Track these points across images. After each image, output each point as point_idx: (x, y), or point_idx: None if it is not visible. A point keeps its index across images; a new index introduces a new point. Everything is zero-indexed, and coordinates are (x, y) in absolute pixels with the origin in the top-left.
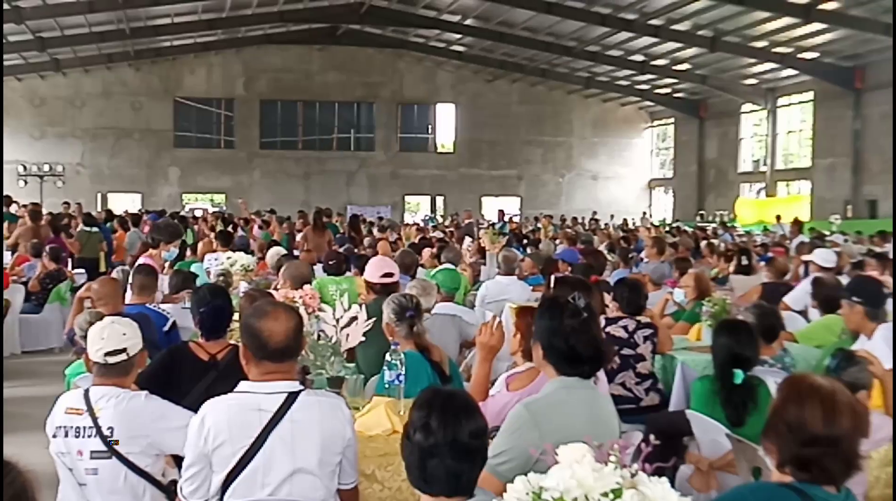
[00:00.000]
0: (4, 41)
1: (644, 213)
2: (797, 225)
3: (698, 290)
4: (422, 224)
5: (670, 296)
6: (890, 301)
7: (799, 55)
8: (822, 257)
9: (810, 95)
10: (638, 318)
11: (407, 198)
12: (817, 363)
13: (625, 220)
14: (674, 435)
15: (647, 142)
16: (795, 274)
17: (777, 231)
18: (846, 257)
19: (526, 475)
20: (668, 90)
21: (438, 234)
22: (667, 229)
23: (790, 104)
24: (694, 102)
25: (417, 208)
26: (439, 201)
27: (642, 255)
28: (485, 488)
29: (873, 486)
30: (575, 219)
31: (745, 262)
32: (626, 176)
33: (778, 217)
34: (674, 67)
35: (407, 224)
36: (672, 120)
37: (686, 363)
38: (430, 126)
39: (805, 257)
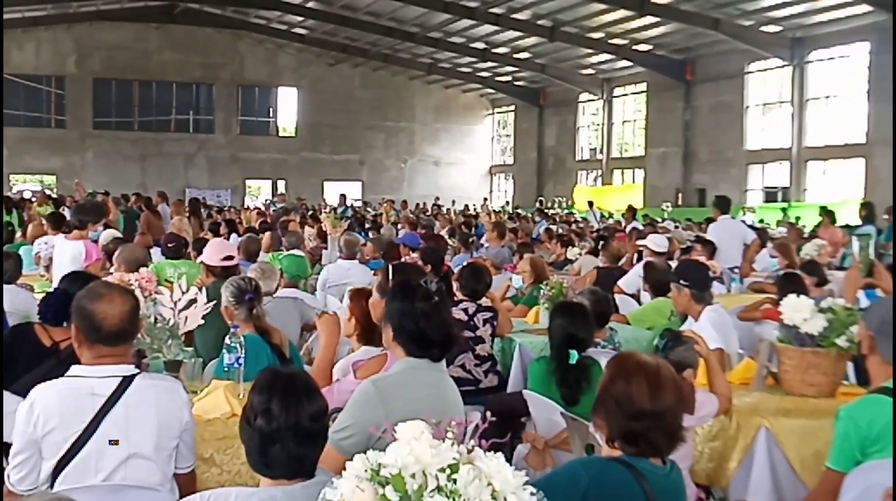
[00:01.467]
0: None
1: (485, 199)
2: (631, 212)
3: (535, 274)
4: (263, 208)
5: (510, 282)
6: (715, 284)
7: (633, 47)
8: (655, 242)
9: (644, 86)
10: (478, 301)
11: (248, 182)
12: (647, 344)
13: (466, 205)
14: (512, 415)
15: (489, 129)
16: (629, 259)
17: (589, 218)
18: (676, 242)
19: (366, 453)
20: (508, 78)
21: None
22: (507, 215)
23: (625, 94)
24: (534, 91)
25: (258, 193)
26: (281, 185)
27: (483, 240)
28: (327, 462)
29: (698, 460)
30: (417, 205)
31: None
32: (467, 162)
33: (590, 203)
34: (514, 56)
35: (247, 208)
36: (513, 107)
37: (524, 345)
38: (271, 109)
39: (639, 243)
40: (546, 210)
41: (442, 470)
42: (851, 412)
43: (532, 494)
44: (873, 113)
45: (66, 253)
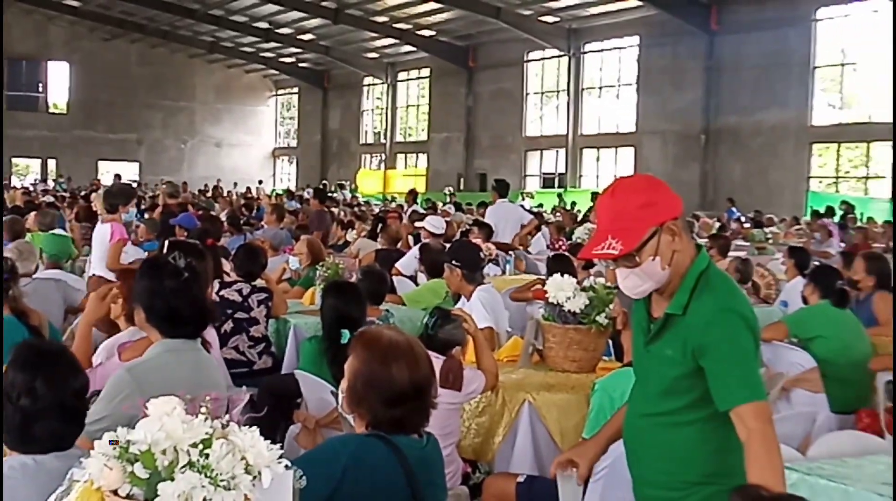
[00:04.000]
0: None
1: (260, 182)
2: (412, 195)
3: (311, 256)
4: (31, 188)
5: (287, 264)
6: (490, 265)
7: (417, 32)
8: (432, 223)
9: (427, 71)
10: (253, 282)
11: (14, 160)
12: (422, 324)
13: (248, 188)
14: (286, 396)
15: (272, 110)
16: (406, 242)
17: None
18: (455, 225)
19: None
20: (292, 60)
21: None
22: (289, 197)
23: (409, 79)
24: (318, 73)
25: (27, 171)
26: (51, 163)
27: (263, 222)
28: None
29: (465, 435)
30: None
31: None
32: (250, 144)
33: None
34: (298, 37)
35: (15, 188)
36: (297, 90)
37: (299, 325)
38: (40, 84)
39: (418, 224)
40: (331, 194)
41: (194, 445)
42: (605, 385)
43: (287, 467)
44: (642, 104)
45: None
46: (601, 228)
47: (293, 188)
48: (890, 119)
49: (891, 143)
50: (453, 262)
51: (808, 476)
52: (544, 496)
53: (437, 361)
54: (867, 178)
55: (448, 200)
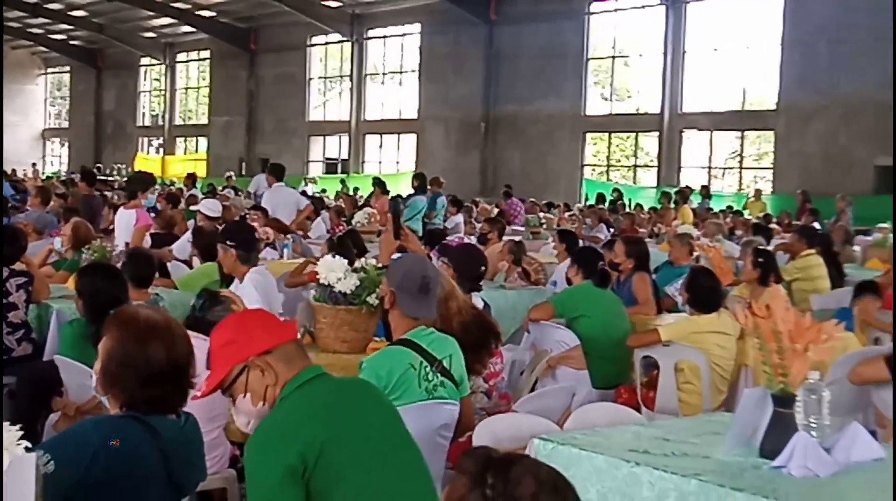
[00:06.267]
0: None
1: (34, 164)
2: (191, 179)
3: (75, 239)
4: None
5: (52, 246)
6: (268, 249)
7: (197, 12)
8: (208, 206)
9: (208, 53)
10: (11, 266)
11: None
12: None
13: (14, 170)
14: (45, 384)
15: (42, 89)
16: (182, 226)
17: None
18: (234, 209)
19: None
20: (63, 37)
21: None
22: (61, 179)
23: (189, 61)
24: (91, 52)
25: None
26: None
27: (28, 205)
28: None
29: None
30: None
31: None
32: (18, 124)
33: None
34: (69, 13)
35: None
36: (68, 68)
37: (62, 310)
38: None
39: (193, 208)
40: (104, 177)
41: None
42: (372, 363)
43: (29, 450)
44: (424, 91)
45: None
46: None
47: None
48: (657, 110)
49: (656, 134)
50: (227, 242)
51: (562, 445)
52: None
53: (205, 343)
54: (636, 167)
55: (227, 183)
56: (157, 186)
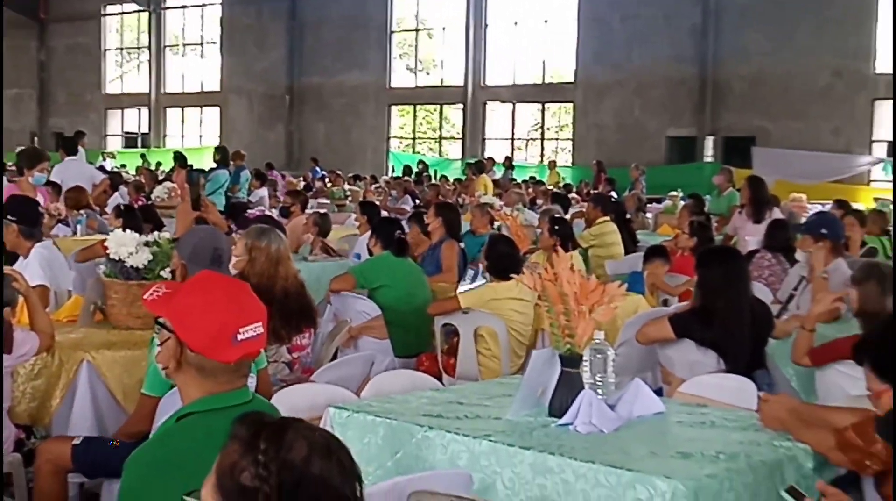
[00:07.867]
0: None
1: None
2: None
3: None
4: None
5: None
6: (60, 225)
7: None
8: None
9: None
10: None
11: None
12: None
13: None
14: None
15: None
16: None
17: None
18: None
19: None
20: None
21: None
22: None
23: None
24: None
25: None
26: None
27: None
28: None
29: (20, 401)
30: None
31: None
32: None
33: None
34: None
35: None
36: None
37: None
38: None
39: None
40: None
41: None
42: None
43: None
44: (227, 63)
45: None
46: None
47: None
48: (461, 83)
49: (460, 106)
50: (9, 217)
51: (357, 413)
52: (101, 456)
53: None
54: (441, 139)
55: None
56: None
